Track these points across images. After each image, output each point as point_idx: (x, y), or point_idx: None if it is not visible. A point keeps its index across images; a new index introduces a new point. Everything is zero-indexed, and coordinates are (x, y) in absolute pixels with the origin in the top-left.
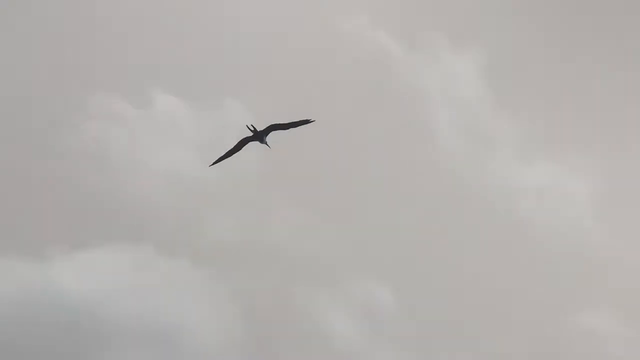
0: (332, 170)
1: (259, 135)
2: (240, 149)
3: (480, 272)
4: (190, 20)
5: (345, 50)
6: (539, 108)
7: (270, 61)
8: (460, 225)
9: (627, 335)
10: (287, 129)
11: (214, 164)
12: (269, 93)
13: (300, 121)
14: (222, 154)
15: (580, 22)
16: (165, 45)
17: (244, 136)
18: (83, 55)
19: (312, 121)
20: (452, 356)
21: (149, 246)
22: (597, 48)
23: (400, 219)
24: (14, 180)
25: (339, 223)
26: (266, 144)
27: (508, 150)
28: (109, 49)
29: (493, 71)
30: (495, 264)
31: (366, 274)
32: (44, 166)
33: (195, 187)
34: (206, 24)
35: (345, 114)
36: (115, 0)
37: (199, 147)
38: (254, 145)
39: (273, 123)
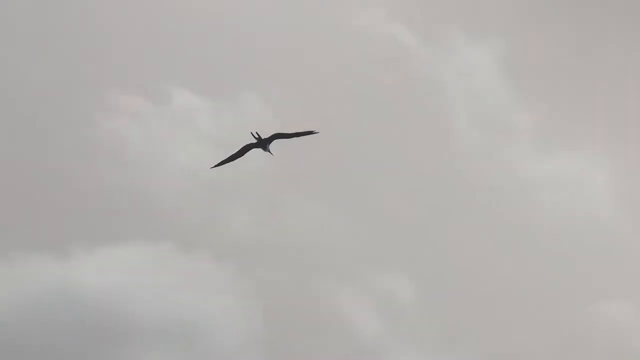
0: (350, 164)
1: (263, 143)
2: (243, 155)
3: (499, 264)
4: (206, 16)
5: (360, 44)
6: (556, 99)
7: (286, 56)
8: (479, 217)
9: None
10: (291, 138)
11: (215, 166)
12: (285, 88)
13: (305, 132)
14: (225, 157)
15: (598, 12)
16: (181, 41)
17: (248, 142)
18: (100, 52)
19: (316, 132)
20: (472, 350)
21: (169, 243)
22: (615, 38)
23: (419, 212)
24: (33, 177)
25: (359, 217)
26: (269, 151)
27: (526, 141)
28: (125, 45)
29: (510, 63)
30: (514, 256)
31: (387, 268)
32: (63, 163)
33: (214, 182)
34: (221, 19)
35: (362, 107)
36: None
37: (217, 143)
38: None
39: (277, 132)
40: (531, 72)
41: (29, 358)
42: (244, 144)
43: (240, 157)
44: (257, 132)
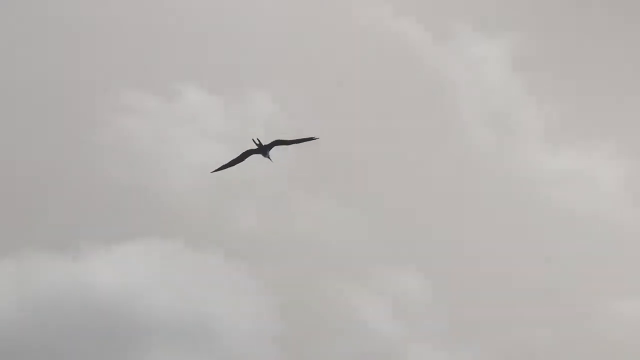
0: (362, 161)
1: (264, 149)
2: (243, 160)
3: (513, 261)
4: (215, 14)
5: (368, 40)
6: (566, 95)
7: (294, 53)
8: (492, 213)
9: None
10: (291, 144)
11: (215, 171)
12: (294, 85)
13: (305, 138)
14: (225, 162)
15: (608, 6)
16: (191, 39)
17: (249, 148)
18: (110, 51)
19: (316, 138)
20: (487, 347)
21: (180, 240)
22: (627, 33)
23: (431, 209)
24: (44, 177)
25: (371, 214)
26: (269, 157)
27: (536, 138)
28: (135, 44)
29: (519, 58)
30: (527, 253)
31: (401, 265)
32: (74, 162)
33: (225, 180)
34: (230, 18)
35: (371, 105)
36: None
37: (227, 140)
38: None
39: (278, 139)
40: (541, 68)
41: (41, 357)
42: (245, 150)
43: (240, 162)
44: (258, 139)
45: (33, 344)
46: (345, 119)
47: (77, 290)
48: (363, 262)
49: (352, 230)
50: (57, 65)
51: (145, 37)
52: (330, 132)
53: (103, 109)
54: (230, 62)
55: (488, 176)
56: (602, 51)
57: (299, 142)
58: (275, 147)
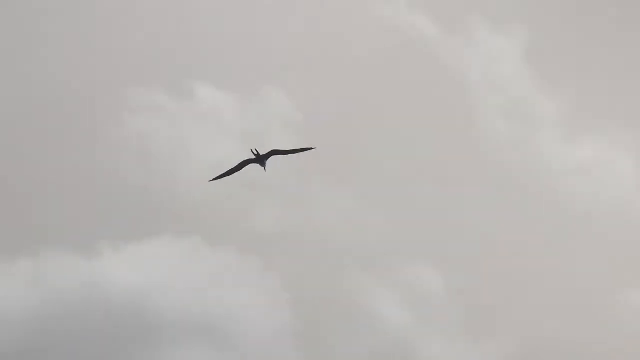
0: (376, 156)
1: (261, 159)
2: (241, 169)
3: (528, 252)
4: (227, 11)
5: (382, 34)
6: (581, 86)
7: (309, 48)
8: (507, 206)
9: None
10: (288, 154)
11: (214, 180)
12: (308, 80)
13: (302, 149)
14: (224, 172)
15: None
16: (204, 37)
17: (246, 158)
18: (124, 50)
19: (313, 149)
20: (501, 339)
21: (197, 238)
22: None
23: (446, 203)
24: (61, 177)
25: (385, 209)
26: (264, 167)
27: (551, 129)
28: (149, 42)
29: (534, 51)
30: (543, 245)
31: (414, 258)
32: (90, 162)
33: (240, 177)
34: (242, 14)
35: (386, 99)
36: None
37: (242, 137)
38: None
39: (275, 149)
40: (555, 60)
41: (59, 355)
42: (243, 160)
43: (238, 171)
44: (256, 149)
45: (51, 342)
46: (360, 114)
47: (94, 288)
48: (378, 257)
49: (368, 226)
50: (72, 65)
51: (160, 36)
52: (346, 128)
53: (118, 109)
54: (243, 59)
55: (502, 167)
56: (616, 41)
57: (295, 152)
58: (272, 156)
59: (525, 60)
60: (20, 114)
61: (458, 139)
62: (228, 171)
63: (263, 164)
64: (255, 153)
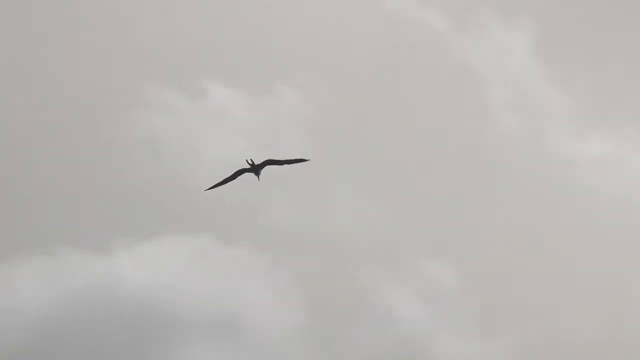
0: (390, 151)
1: (256, 168)
2: (236, 178)
3: (542, 248)
4: (238, 10)
5: (393, 29)
6: (591, 79)
7: (319, 46)
8: (520, 200)
9: None
10: (282, 164)
11: (209, 189)
12: (318, 77)
13: (295, 159)
14: (219, 181)
15: None
16: (215, 36)
17: (241, 168)
18: (136, 50)
19: (307, 160)
20: (516, 335)
21: (210, 235)
22: None
23: (460, 198)
24: (73, 175)
25: (399, 204)
26: (259, 176)
27: (562, 123)
28: (160, 42)
29: (544, 44)
30: (555, 241)
31: (429, 254)
32: (102, 161)
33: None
34: (253, 13)
35: (397, 95)
36: None
37: (253, 135)
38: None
39: (269, 159)
40: (565, 53)
41: (75, 353)
42: (238, 169)
43: (233, 180)
44: (251, 159)
45: (65, 339)
46: (370, 110)
47: (107, 286)
48: (391, 254)
49: (381, 223)
50: (87, 65)
51: (171, 35)
52: (356, 124)
53: (131, 108)
54: (254, 57)
55: (515, 162)
56: (627, 35)
57: (290, 163)
58: (266, 166)
59: (536, 53)
60: (34, 114)
61: (470, 134)
62: (223, 180)
63: (257, 174)
64: (250, 163)
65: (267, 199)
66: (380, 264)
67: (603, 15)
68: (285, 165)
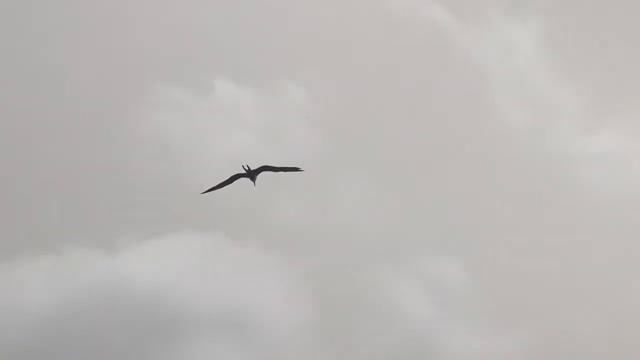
0: (396, 147)
1: (251, 174)
2: (231, 183)
3: (549, 244)
4: (245, 6)
5: (399, 26)
6: (597, 76)
7: (326, 42)
8: (527, 196)
9: None
10: (277, 171)
11: (205, 192)
12: (326, 74)
13: (291, 168)
14: (215, 184)
15: None
16: (222, 32)
17: (237, 172)
18: (144, 47)
19: (301, 170)
20: (524, 330)
21: (218, 233)
22: None
23: (467, 193)
24: (81, 173)
25: (407, 199)
26: (254, 182)
27: (569, 118)
28: (166, 38)
29: (549, 41)
30: (563, 236)
31: (436, 250)
32: (110, 158)
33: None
34: (261, 10)
35: (404, 91)
36: None
37: (261, 131)
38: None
39: (265, 165)
40: (571, 49)
41: (80, 351)
42: (234, 174)
43: (228, 184)
44: (247, 165)
45: (73, 337)
46: (378, 106)
47: (115, 284)
48: (400, 250)
49: (389, 219)
50: (95, 62)
51: (178, 33)
52: (364, 120)
53: (137, 105)
54: (262, 54)
55: (522, 158)
56: (634, 30)
57: (285, 171)
58: (262, 172)
59: (541, 50)
60: (38, 112)
61: (477, 129)
62: (219, 184)
63: (253, 179)
64: (246, 168)
65: (274, 197)
66: (387, 262)
67: (609, 11)
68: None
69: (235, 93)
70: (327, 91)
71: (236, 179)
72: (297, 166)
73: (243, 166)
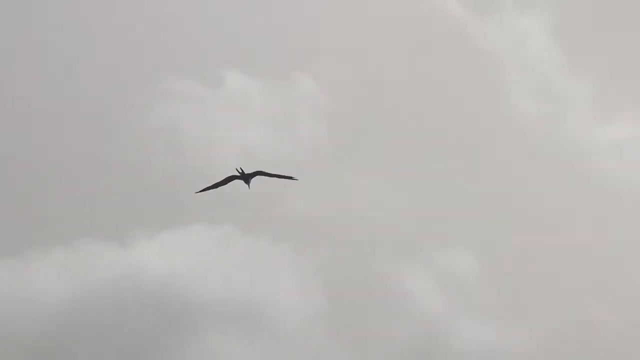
0: (409, 138)
1: (245, 177)
2: (226, 184)
3: (563, 235)
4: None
5: (411, 18)
6: (609, 64)
7: (336, 34)
8: (540, 186)
9: None
10: (272, 177)
11: (200, 192)
12: (336, 65)
13: (284, 175)
14: (209, 185)
15: None
16: (232, 24)
17: (232, 174)
18: (153, 38)
19: (295, 179)
20: (536, 323)
21: (229, 225)
22: None
23: (479, 184)
24: (94, 166)
25: (418, 191)
26: (249, 184)
27: (583, 108)
28: (179, 31)
29: (562, 29)
30: (577, 227)
31: (449, 243)
32: (122, 151)
33: (271, 162)
34: (272, 2)
35: (416, 82)
36: None
37: (271, 123)
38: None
39: (259, 170)
40: (584, 38)
41: (95, 343)
42: (228, 175)
43: (223, 185)
44: (241, 168)
45: (85, 330)
46: (389, 98)
47: (127, 277)
48: (411, 242)
49: (400, 211)
50: (105, 53)
51: (189, 25)
52: (374, 113)
53: (148, 96)
54: (272, 45)
55: (535, 148)
56: None
57: (279, 177)
58: (256, 176)
59: (554, 38)
60: (52, 104)
61: (489, 120)
62: (214, 184)
63: (247, 182)
64: (240, 171)
65: (285, 189)
66: (399, 253)
67: (621, 0)
68: (275, 178)
69: (246, 85)
70: (337, 82)
71: (230, 180)
72: (291, 175)
73: (237, 169)
